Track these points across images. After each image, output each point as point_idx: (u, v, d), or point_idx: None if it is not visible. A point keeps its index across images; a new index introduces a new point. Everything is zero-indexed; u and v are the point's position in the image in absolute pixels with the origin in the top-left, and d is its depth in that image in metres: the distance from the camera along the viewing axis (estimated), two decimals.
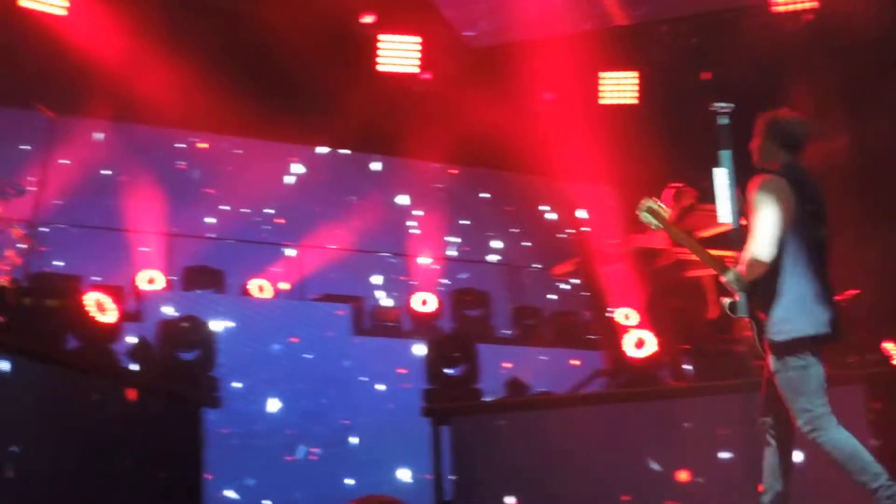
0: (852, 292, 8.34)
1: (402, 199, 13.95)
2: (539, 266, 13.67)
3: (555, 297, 13.00)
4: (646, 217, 5.41)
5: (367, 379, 10.51)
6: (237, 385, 9.77)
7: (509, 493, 7.95)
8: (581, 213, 12.57)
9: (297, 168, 13.61)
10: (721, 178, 5.14)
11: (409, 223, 13.85)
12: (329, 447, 10.12)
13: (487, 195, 14.54)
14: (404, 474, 10.00)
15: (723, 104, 5.18)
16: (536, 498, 7.79)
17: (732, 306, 5.07)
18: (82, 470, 6.67)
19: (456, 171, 14.42)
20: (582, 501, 7.48)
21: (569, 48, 11.59)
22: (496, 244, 14.29)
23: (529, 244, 14.31)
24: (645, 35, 11.67)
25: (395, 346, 10.75)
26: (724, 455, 7.05)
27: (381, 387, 10.48)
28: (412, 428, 9.47)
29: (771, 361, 5.07)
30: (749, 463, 6.01)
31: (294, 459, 9.97)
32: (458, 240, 14.13)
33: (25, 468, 6.08)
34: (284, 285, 12.17)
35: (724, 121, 5.15)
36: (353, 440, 10.23)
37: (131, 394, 7.33)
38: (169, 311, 9.88)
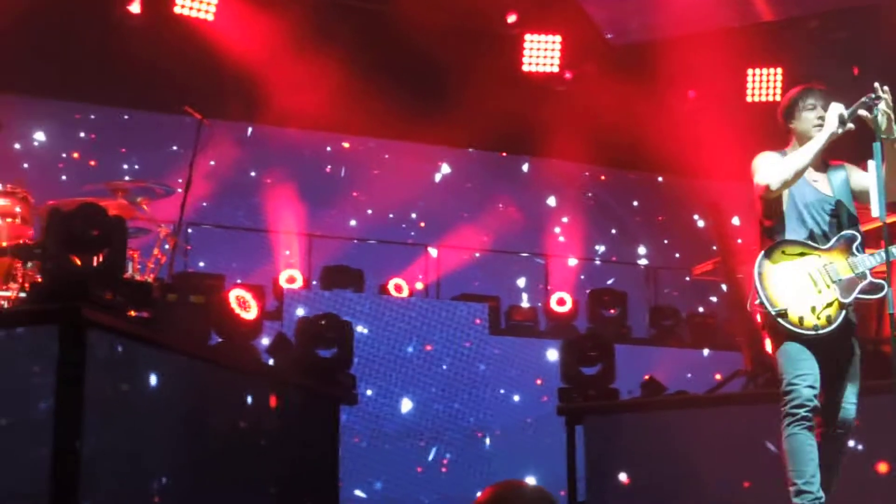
0: None
1: (549, 201, 14.00)
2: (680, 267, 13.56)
3: (696, 298, 12.87)
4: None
5: (502, 382, 10.64)
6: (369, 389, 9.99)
7: (641, 495, 7.97)
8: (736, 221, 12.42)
9: (444, 169, 13.80)
10: (873, 171, 4.99)
11: (552, 225, 13.90)
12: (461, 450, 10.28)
13: (635, 203, 14.51)
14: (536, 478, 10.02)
15: (875, 95, 4.84)
16: (668, 498, 7.75)
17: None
18: (223, 464, 6.81)
19: (604, 177, 14.42)
20: None
21: (714, 45, 11.45)
22: (641, 250, 14.26)
23: (667, 242, 14.28)
24: (792, 31, 11.40)
25: (531, 346, 10.81)
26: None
27: (515, 395, 10.58)
28: (547, 432, 9.59)
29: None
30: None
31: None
32: (602, 247, 14.15)
33: (170, 462, 6.34)
34: (420, 285, 12.33)
35: (874, 112, 4.83)
36: (486, 442, 10.37)
37: (272, 400, 7.55)
38: (307, 309, 10.08)
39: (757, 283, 4.95)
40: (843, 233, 5.00)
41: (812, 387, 4.81)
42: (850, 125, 4.83)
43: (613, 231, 14.47)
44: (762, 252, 5.01)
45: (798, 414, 4.80)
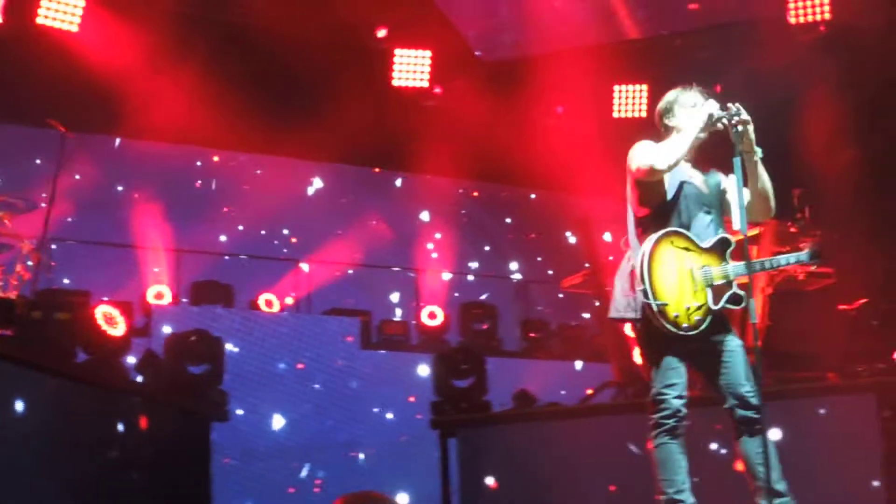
0: (862, 301, 8.37)
1: (423, 216, 14.14)
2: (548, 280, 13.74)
3: (567, 312, 12.99)
4: None
5: (375, 399, 10.69)
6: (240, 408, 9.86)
7: None
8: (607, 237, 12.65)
9: (317, 183, 13.85)
10: (733, 185, 5.07)
11: (425, 240, 13.98)
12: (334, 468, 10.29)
13: (508, 220, 14.73)
14: (406, 496, 10.06)
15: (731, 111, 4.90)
16: None
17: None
18: (92, 483, 6.79)
19: (477, 194, 14.57)
20: None
21: (581, 62, 11.65)
22: (514, 266, 14.45)
23: (539, 259, 14.48)
24: (657, 49, 11.68)
25: (403, 361, 10.88)
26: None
27: (388, 413, 10.64)
28: (421, 448, 9.65)
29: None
30: None
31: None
32: (476, 263, 14.30)
33: (37, 482, 6.23)
34: (291, 300, 12.29)
35: (737, 129, 4.87)
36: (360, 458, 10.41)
37: (142, 419, 7.46)
38: (176, 325, 9.99)
39: (644, 268, 4.79)
40: (720, 236, 4.99)
41: (681, 397, 4.82)
42: (720, 125, 4.87)
43: (486, 247, 14.62)
44: (652, 236, 4.88)
45: (667, 424, 4.81)
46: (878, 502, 7.10)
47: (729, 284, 4.92)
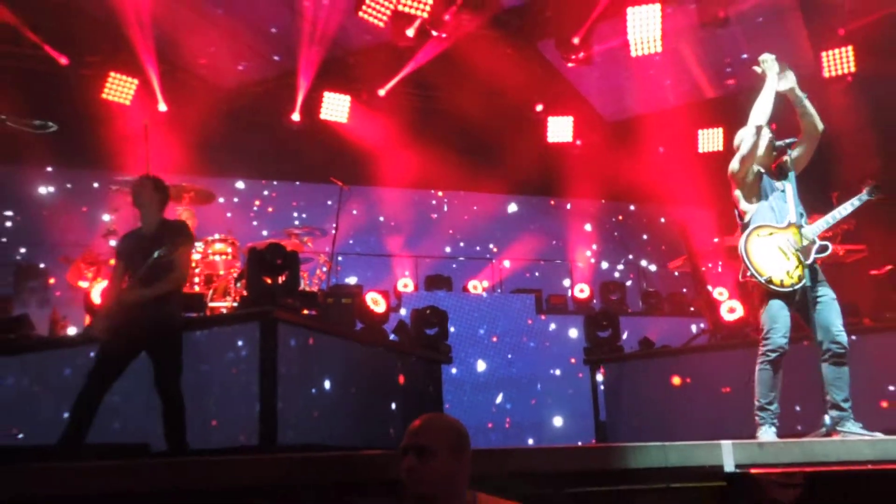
0: (888, 268, 7.84)
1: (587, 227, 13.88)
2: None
3: (670, 283, 12.59)
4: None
5: (543, 350, 10.46)
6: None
7: (640, 415, 7.88)
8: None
9: (512, 207, 13.62)
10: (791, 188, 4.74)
11: (573, 242, 13.75)
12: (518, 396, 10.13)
13: (645, 237, 14.26)
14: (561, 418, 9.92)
15: (787, 141, 4.77)
16: (660, 415, 7.67)
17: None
18: (369, 407, 6.87)
19: (621, 218, 14.18)
20: (695, 421, 7.31)
21: (674, 115, 11.37)
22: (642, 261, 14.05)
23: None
24: (727, 101, 11.16)
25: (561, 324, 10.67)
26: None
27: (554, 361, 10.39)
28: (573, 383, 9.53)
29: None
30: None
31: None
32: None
33: (335, 407, 6.41)
34: (486, 283, 12.23)
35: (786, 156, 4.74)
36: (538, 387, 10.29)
37: (398, 366, 7.57)
38: (415, 304, 10.10)
39: (745, 259, 4.63)
40: (790, 213, 4.72)
41: (785, 336, 4.56)
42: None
43: (615, 234, 14.15)
44: (744, 236, 4.71)
45: (770, 356, 4.56)
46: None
47: (813, 242, 4.65)
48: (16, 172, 10.58)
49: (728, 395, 7.17)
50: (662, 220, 13.58)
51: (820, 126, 4.83)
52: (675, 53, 10.46)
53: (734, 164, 4.80)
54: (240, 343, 5.84)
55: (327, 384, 6.34)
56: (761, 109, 4.76)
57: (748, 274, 4.65)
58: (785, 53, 4.95)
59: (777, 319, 4.57)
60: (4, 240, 10.57)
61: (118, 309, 4.94)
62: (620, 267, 13.48)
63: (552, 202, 13.71)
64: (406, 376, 7.55)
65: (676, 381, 7.74)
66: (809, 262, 4.61)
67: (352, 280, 11.81)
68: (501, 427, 9.79)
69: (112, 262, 5.17)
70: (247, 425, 5.44)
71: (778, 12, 10.04)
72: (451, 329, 8.50)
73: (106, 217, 9.52)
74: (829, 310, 4.57)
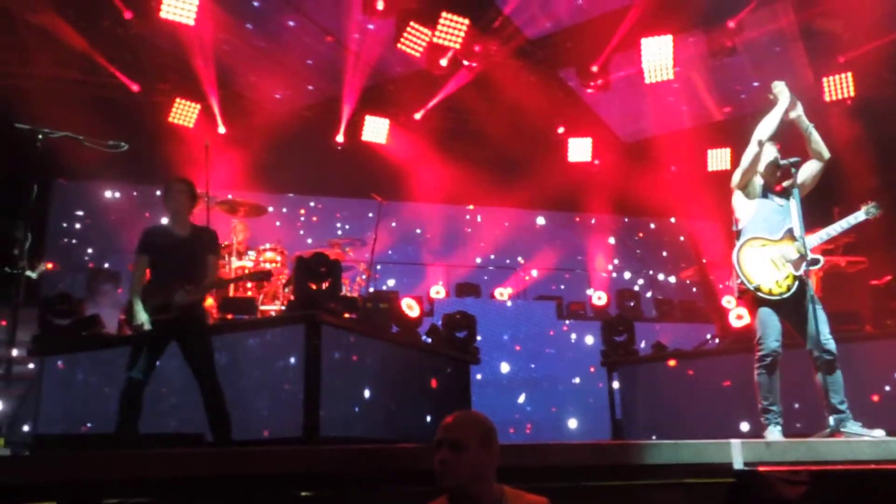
0: (887, 278, 7.66)
1: (610, 240, 13.58)
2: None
3: (682, 291, 12.33)
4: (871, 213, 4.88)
5: (563, 354, 10.30)
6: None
7: (654, 412, 7.76)
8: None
9: (540, 220, 13.42)
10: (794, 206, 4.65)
11: (592, 252, 13.59)
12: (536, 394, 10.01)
13: (665, 254, 13.94)
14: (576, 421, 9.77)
15: (791, 160, 4.69)
16: (670, 414, 7.57)
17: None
18: (401, 403, 6.83)
19: (641, 235, 13.86)
20: (704, 421, 7.19)
21: (685, 137, 11.27)
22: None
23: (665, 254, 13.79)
24: (734, 123, 11.00)
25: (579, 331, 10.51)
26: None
27: (573, 367, 10.18)
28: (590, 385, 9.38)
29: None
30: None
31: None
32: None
33: (372, 402, 6.38)
34: (511, 290, 12.06)
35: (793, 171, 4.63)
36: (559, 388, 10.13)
37: (430, 366, 7.48)
38: (446, 309, 10.04)
39: (737, 268, 4.62)
40: (786, 227, 4.66)
41: (777, 340, 4.50)
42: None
43: (638, 251, 13.89)
44: (737, 246, 4.67)
45: (766, 361, 4.52)
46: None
47: (804, 255, 4.55)
48: (91, 186, 10.78)
49: (735, 396, 7.02)
50: (682, 238, 13.31)
51: (826, 154, 4.76)
52: (687, 80, 10.40)
53: (735, 176, 4.78)
54: (287, 343, 5.84)
55: (366, 382, 6.33)
56: (765, 126, 4.72)
57: (738, 281, 4.62)
58: (789, 79, 4.89)
59: (768, 325, 4.53)
60: (75, 241, 10.75)
61: (160, 303, 4.85)
62: (641, 281, 13.22)
63: (577, 218, 13.53)
64: (437, 375, 7.51)
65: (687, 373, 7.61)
66: (799, 273, 4.55)
67: (391, 283, 11.77)
68: (522, 429, 9.69)
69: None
70: (292, 418, 5.44)
71: (782, 42, 9.97)
72: (479, 338, 8.41)
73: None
74: (817, 320, 4.47)
